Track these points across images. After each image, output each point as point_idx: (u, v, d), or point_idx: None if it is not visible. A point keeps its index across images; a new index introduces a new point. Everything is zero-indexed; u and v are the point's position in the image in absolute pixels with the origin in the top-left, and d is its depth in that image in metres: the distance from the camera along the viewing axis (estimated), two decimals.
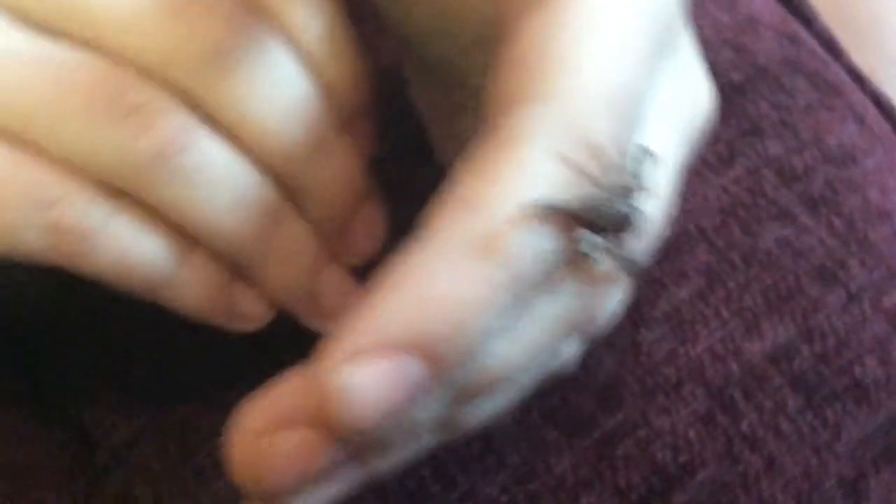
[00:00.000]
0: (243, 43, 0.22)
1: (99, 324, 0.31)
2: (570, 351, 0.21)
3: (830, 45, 0.33)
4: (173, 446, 0.29)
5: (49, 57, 0.22)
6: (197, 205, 0.23)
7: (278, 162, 0.24)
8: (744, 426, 0.27)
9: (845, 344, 0.29)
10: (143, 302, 0.29)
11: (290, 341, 0.27)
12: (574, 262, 0.19)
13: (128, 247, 0.23)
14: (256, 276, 0.25)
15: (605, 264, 0.19)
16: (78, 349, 0.31)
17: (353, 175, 0.25)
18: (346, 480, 0.19)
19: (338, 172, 0.25)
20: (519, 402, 0.21)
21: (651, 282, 0.28)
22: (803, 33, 0.33)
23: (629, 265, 0.20)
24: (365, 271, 0.28)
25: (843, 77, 0.33)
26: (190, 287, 0.24)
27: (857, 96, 0.33)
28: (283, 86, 0.23)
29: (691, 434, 0.27)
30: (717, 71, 0.30)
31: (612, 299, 0.21)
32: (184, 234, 0.24)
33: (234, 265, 0.25)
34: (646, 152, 0.20)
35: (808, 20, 0.33)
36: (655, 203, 0.20)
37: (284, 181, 0.24)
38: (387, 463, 0.20)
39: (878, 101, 0.34)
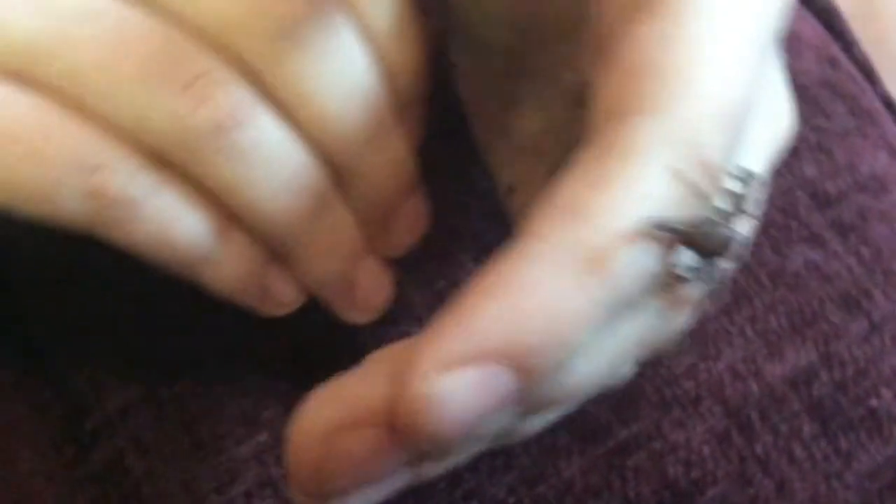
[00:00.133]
0: (315, 19, 0.21)
1: (102, 287, 0.30)
2: (630, 368, 0.21)
3: (868, 72, 0.33)
4: (171, 418, 0.29)
5: (107, 12, 0.21)
6: (247, 183, 0.22)
7: (334, 146, 0.23)
8: (758, 448, 0.27)
9: (864, 374, 0.28)
10: (149, 272, 0.29)
11: (292, 323, 0.27)
12: (666, 282, 0.18)
13: (170, 220, 0.22)
14: (294, 261, 0.24)
15: (695, 288, 0.19)
16: (77, 308, 0.30)
17: (406, 165, 0.24)
18: (395, 483, 0.19)
19: (391, 161, 0.24)
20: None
21: None
22: (843, 57, 0.32)
23: (715, 290, 0.19)
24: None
25: (878, 105, 0.33)
26: (227, 267, 0.24)
27: (890, 126, 0.33)
28: (348, 68, 0.22)
29: (705, 451, 0.27)
30: None
31: (686, 321, 0.21)
32: (226, 211, 0.23)
33: (272, 248, 0.24)
34: (748, 173, 0.19)
35: (849, 44, 0.33)
36: (747, 226, 0.20)
37: (335, 166, 0.23)
38: (437, 468, 0.19)
39: None
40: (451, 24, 0.25)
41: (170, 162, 0.22)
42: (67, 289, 0.30)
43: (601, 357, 0.19)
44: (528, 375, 0.17)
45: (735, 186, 0.19)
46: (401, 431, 0.17)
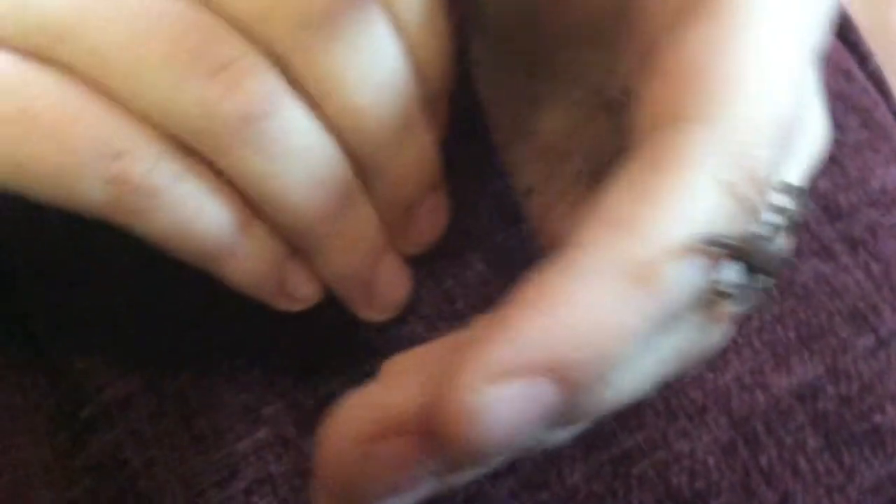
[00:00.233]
0: (349, 10, 0.21)
1: (105, 277, 0.30)
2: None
3: (881, 86, 0.33)
4: (170, 411, 0.28)
5: None
6: (272, 175, 0.22)
7: (361, 139, 0.22)
8: (763, 460, 0.27)
9: (869, 389, 0.28)
10: (152, 263, 0.28)
11: (295, 317, 0.26)
12: (709, 298, 0.18)
13: (192, 210, 0.22)
14: (315, 256, 0.24)
15: (739, 304, 0.19)
16: (78, 297, 0.30)
17: (431, 160, 0.24)
18: (421, 492, 0.18)
19: (417, 156, 0.23)
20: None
21: None
22: (857, 71, 0.32)
23: (756, 307, 0.19)
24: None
25: (890, 120, 0.33)
26: (247, 260, 0.23)
27: None
28: (380, 60, 0.22)
29: (710, 461, 0.27)
30: None
31: (725, 336, 0.20)
32: (249, 203, 0.23)
33: (293, 242, 0.24)
34: (793, 187, 0.19)
35: (864, 58, 0.33)
36: (790, 242, 0.19)
37: (360, 160, 0.23)
38: (463, 478, 0.19)
39: None
40: (472, 20, 0.25)
41: (194, 150, 0.22)
42: (69, 277, 0.30)
43: (641, 371, 0.18)
44: (572, 389, 0.16)
45: (781, 201, 0.18)
46: (439, 441, 0.16)
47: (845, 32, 0.33)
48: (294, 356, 0.28)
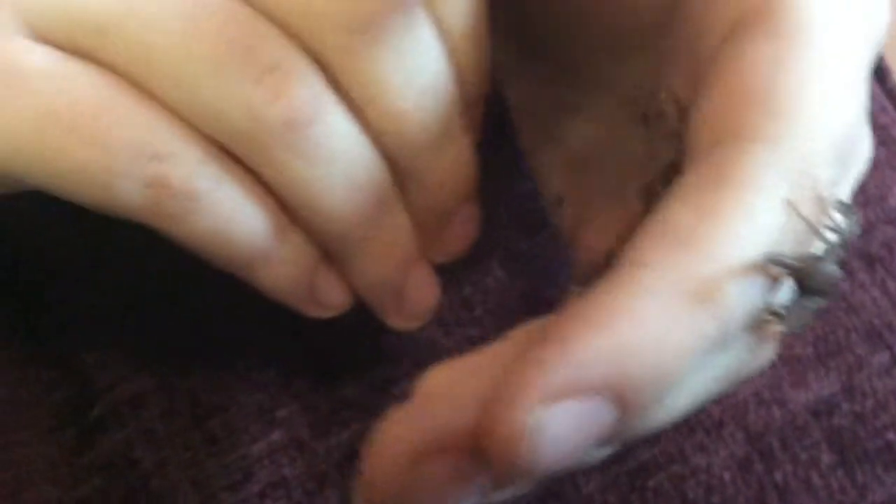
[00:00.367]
0: (398, 16, 0.20)
1: (119, 273, 0.29)
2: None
3: None
4: (184, 410, 0.28)
5: None
6: (312, 180, 0.21)
7: (401, 145, 0.22)
8: (778, 475, 0.27)
9: (883, 407, 0.28)
10: (167, 262, 0.28)
11: (311, 319, 0.26)
12: (762, 317, 0.18)
13: (229, 216, 0.21)
14: (348, 263, 0.24)
15: (790, 324, 0.18)
16: (91, 292, 0.29)
17: (469, 168, 0.24)
18: None
19: (455, 163, 0.23)
20: None
21: None
22: (876, 88, 0.32)
23: (804, 327, 0.19)
24: None
25: None
26: (281, 266, 0.23)
27: None
28: (424, 66, 0.21)
29: (726, 476, 0.27)
30: None
31: (772, 356, 0.20)
32: (285, 208, 0.22)
33: (327, 248, 0.23)
34: (848, 207, 0.18)
35: (883, 75, 0.33)
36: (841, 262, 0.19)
37: (398, 167, 0.23)
38: (507, 495, 0.19)
39: None
40: (500, 27, 0.25)
41: (233, 154, 0.21)
42: (80, 272, 0.30)
43: (690, 391, 0.18)
44: (630, 409, 0.16)
45: (837, 220, 0.18)
46: (490, 460, 0.16)
47: None
48: (310, 358, 0.28)
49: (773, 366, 0.28)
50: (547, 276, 0.29)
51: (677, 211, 0.17)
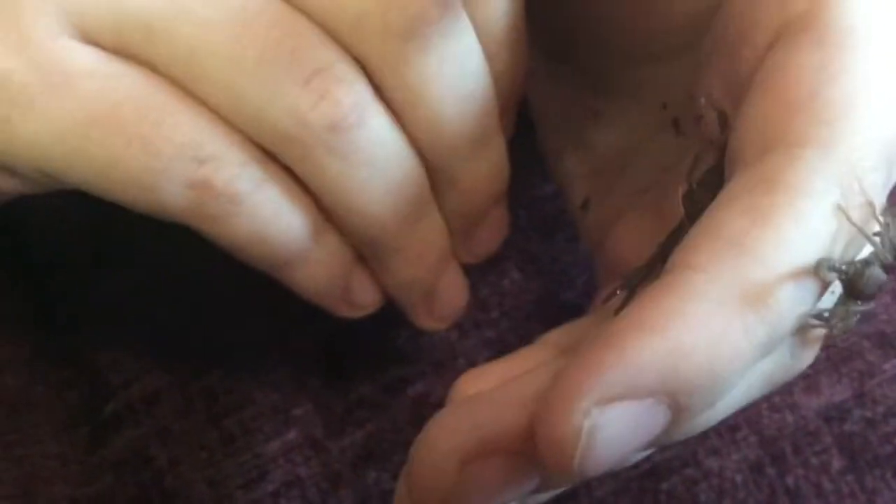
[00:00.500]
0: (443, 22, 0.21)
1: (136, 271, 0.29)
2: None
3: None
4: (199, 408, 0.28)
5: None
6: (352, 183, 0.21)
7: (440, 149, 0.22)
8: (789, 480, 0.27)
9: (894, 413, 0.28)
10: (185, 258, 0.27)
11: (325, 318, 0.26)
12: (808, 322, 0.18)
13: (269, 217, 0.21)
14: (382, 265, 0.24)
15: (834, 329, 0.19)
16: (106, 290, 0.29)
17: (503, 171, 0.24)
18: None
19: (490, 167, 0.23)
20: None
21: None
22: None
23: (846, 331, 0.19)
24: None
25: None
26: (317, 266, 0.23)
27: None
28: (466, 72, 0.22)
29: (738, 479, 0.27)
30: None
31: (811, 361, 0.20)
32: (323, 210, 0.22)
33: (362, 250, 0.23)
34: (893, 212, 0.19)
35: None
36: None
37: (435, 169, 0.23)
38: (544, 499, 0.19)
39: None
40: (531, 31, 0.25)
41: (275, 156, 0.21)
42: (95, 270, 0.30)
43: (735, 395, 0.18)
44: (683, 412, 0.16)
45: (883, 225, 0.18)
46: (545, 461, 0.16)
47: None
48: (325, 358, 0.28)
49: None
50: (563, 279, 0.29)
51: (728, 216, 0.17)
